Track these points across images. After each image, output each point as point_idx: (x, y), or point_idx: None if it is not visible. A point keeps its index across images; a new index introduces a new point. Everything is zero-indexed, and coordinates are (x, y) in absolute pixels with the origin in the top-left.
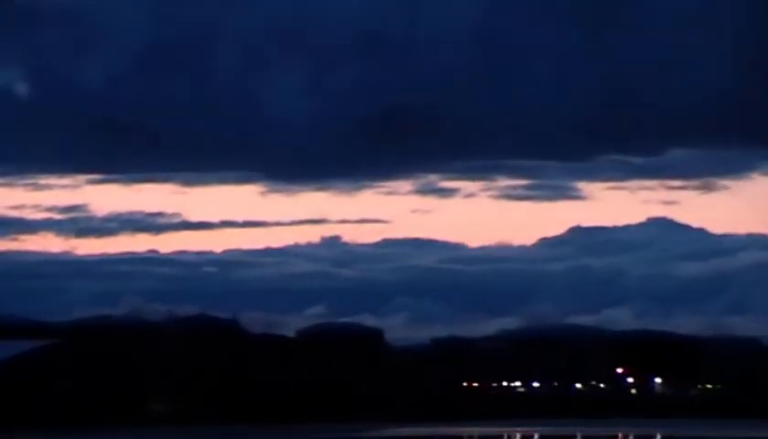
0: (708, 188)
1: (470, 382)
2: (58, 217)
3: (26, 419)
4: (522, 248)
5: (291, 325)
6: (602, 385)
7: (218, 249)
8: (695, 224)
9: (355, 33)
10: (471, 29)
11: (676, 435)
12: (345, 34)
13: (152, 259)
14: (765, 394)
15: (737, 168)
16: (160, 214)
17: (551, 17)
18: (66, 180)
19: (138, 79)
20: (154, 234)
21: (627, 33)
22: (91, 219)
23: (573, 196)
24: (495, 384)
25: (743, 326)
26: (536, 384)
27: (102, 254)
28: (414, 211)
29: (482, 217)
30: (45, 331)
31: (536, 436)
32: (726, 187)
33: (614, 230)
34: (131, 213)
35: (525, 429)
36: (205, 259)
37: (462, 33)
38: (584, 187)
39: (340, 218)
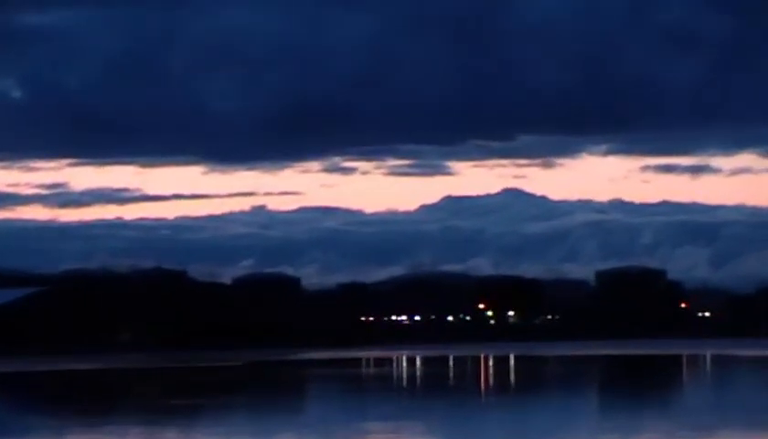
0: (548, 165)
1: (366, 317)
2: (44, 192)
3: (22, 348)
4: (406, 213)
5: (228, 274)
6: (467, 317)
7: (170, 216)
8: (538, 193)
9: (275, 46)
10: (365, 43)
11: (525, 354)
12: (267, 47)
13: (118, 224)
14: (590, 321)
15: (570, 150)
16: (125, 189)
17: (426, 33)
18: (51, 163)
19: (107, 84)
20: (120, 205)
21: (486, 45)
22: (71, 193)
23: (446, 172)
24: (385, 318)
25: (574, 271)
26: (417, 317)
27: (79, 221)
28: (323, 185)
29: (375, 189)
30: (36, 281)
31: (417, 358)
32: (562, 165)
33: (477, 198)
34: (101, 189)
35: (409, 352)
36: (160, 224)
37: (357, 46)
38: (454, 165)
39: (265, 191)
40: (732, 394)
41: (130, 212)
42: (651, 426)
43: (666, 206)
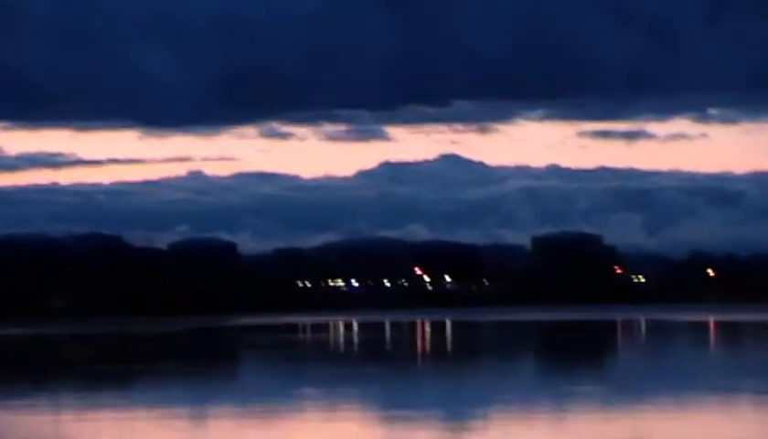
0: (484, 131)
1: (303, 282)
2: None
3: None
4: (343, 178)
5: (164, 239)
6: (404, 283)
7: (106, 181)
8: (475, 159)
9: (211, 10)
10: (301, 8)
11: (462, 320)
12: (203, 11)
13: (53, 189)
14: (527, 287)
15: (506, 116)
16: (60, 154)
17: None
18: None
19: (41, 47)
20: (55, 169)
21: (422, 10)
22: (5, 158)
23: (383, 137)
24: (322, 284)
25: (511, 236)
26: (354, 283)
27: (13, 186)
28: (260, 150)
29: (312, 154)
30: None
31: (354, 323)
32: (498, 130)
33: (414, 164)
34: (36, 153)
35: (346, 317)
36: (95, 189)
37: (294, 11)
38: (391, 130)
39: (202, 156)
40: (665, 358)
41: (65, 177)
42: (584, 391)
43: (601, 171)
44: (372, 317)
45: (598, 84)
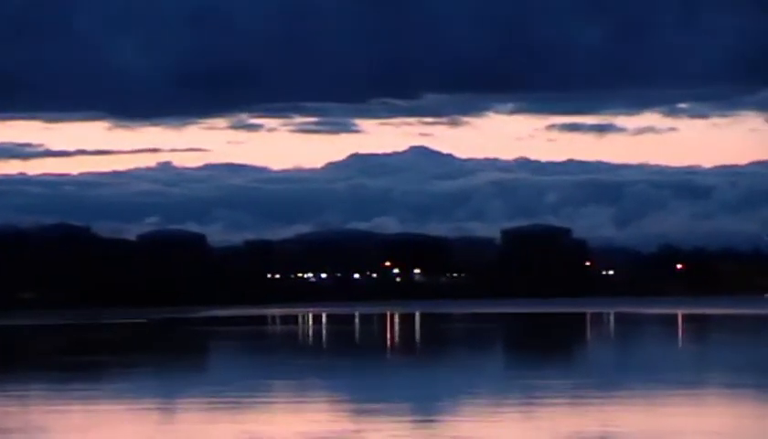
0: (454, 124)
1: (273, 274)
2: None
3: None
4: (313, 170)
5: (132, 231)
6: (374, 275)
7: (74, 172)
8: (445, 151)
9: (185, 6)
10: (272, 2)
11: (431, 312)
12: (173, 2)
13: (22, 180)
14: (496, 279)
15: (476, 108)
16: (28, 145)
17: None
18: None
19: (10, 38)
20: (24, 160)
21: (392, 2)
22: None
23: (352, 130)
24: (291, 276)
25: (480, 229)
26: (323, 275)
27: None
28: (229, 142)
29: (281, 146)
30: None
31: (323, 315)
32: (468, 123)
33: (384, 156)
34: (4, 144)
35: (315, 309)
36: (64, 180)
37: (263, 3)
38: (361, 123)
39: (171, 147)
40: (633, 351)
41: (33, 168)
42: (554, 384)
43: (571, 164)
44: (341, 310)
45: (568, 78)
